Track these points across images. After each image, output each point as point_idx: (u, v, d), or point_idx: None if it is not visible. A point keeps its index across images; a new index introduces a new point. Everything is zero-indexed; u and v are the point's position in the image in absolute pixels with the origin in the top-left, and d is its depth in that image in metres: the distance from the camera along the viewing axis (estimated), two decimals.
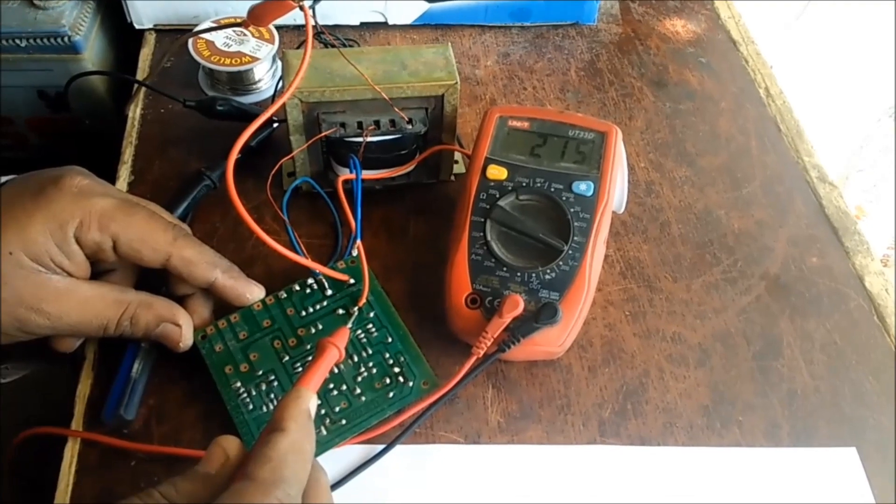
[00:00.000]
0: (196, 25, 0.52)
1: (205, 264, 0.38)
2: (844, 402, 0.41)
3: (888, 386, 0.42)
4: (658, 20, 0.62)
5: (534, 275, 0.39)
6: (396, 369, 0.38)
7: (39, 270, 0.34)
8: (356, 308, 0.39)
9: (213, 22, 0.53)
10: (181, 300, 0.39)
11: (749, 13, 0.65)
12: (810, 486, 0.38)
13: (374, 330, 0.39)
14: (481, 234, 0.40)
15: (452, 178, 0.48)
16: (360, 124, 0.42)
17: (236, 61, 0.51)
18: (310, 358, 0.38)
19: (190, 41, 0.51)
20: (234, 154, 0.37)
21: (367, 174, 0.44)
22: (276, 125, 0.48)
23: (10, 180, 0.37)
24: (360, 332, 0.39)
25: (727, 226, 0.48)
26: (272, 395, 0.37)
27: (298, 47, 0.55)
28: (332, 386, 0.38)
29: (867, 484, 0.38)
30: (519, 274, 0.39)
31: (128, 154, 0.49)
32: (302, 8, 0.38)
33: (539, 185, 0.41)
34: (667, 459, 0.39)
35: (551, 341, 0.38)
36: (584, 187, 0.40)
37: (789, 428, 0.40)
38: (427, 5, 0.58)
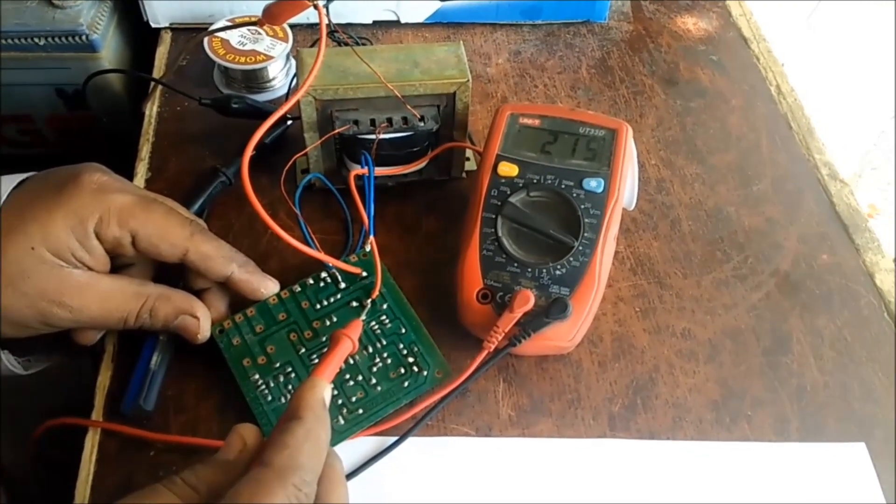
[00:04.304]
0: (211, 24, 0.53)
1: (221, 259, 0.38)
2: (853, 398, 0.41)
3: None
4: (669, 18, 0.63)
5: (544, 270, 0.39)
6: (410, 359, 0.39)
7: (61, 265, 0.35)
8: (369, 300, 0.40)
9: (228, 21, 0.53)
10: (198, 294, 0.39)
11: (761, 11, 0.65)
12: (819, 481, 0.38)
13: (387, 321, 0.40)
14: (492, 230, 0.40)
15: (464, 174, 0.49)
16: (372, 121, 0.43)
17: (251, 59, 0.52)
18: (325, 349, 0.39)
19: (205, 40, 0.52)
20: (249, 151, 0.37)
21: (380, 171, 0.44)
22: (289, 122, 0.49)
23: (30, 177, 0.37)
24: (373, 323, 0.40)
25: (737, 223, 0.49)
26: (290, 387, 0.38)
27: (312, 46, 0.55)
28: (348, 377, 0.38)
29: (876, 479, 0.38)
30: (530, 269, 0.39)
31: (145, 151, 0.50)
32: (316, 7, 0.39)
33: (550, 181, 0.41)
34: (676, 454, 0.39)
35: (562, 336, 0.39)
36: (594, 184, 0.41)
37: (798, 423, 0.40)
38: (439, 4, 0.58)
